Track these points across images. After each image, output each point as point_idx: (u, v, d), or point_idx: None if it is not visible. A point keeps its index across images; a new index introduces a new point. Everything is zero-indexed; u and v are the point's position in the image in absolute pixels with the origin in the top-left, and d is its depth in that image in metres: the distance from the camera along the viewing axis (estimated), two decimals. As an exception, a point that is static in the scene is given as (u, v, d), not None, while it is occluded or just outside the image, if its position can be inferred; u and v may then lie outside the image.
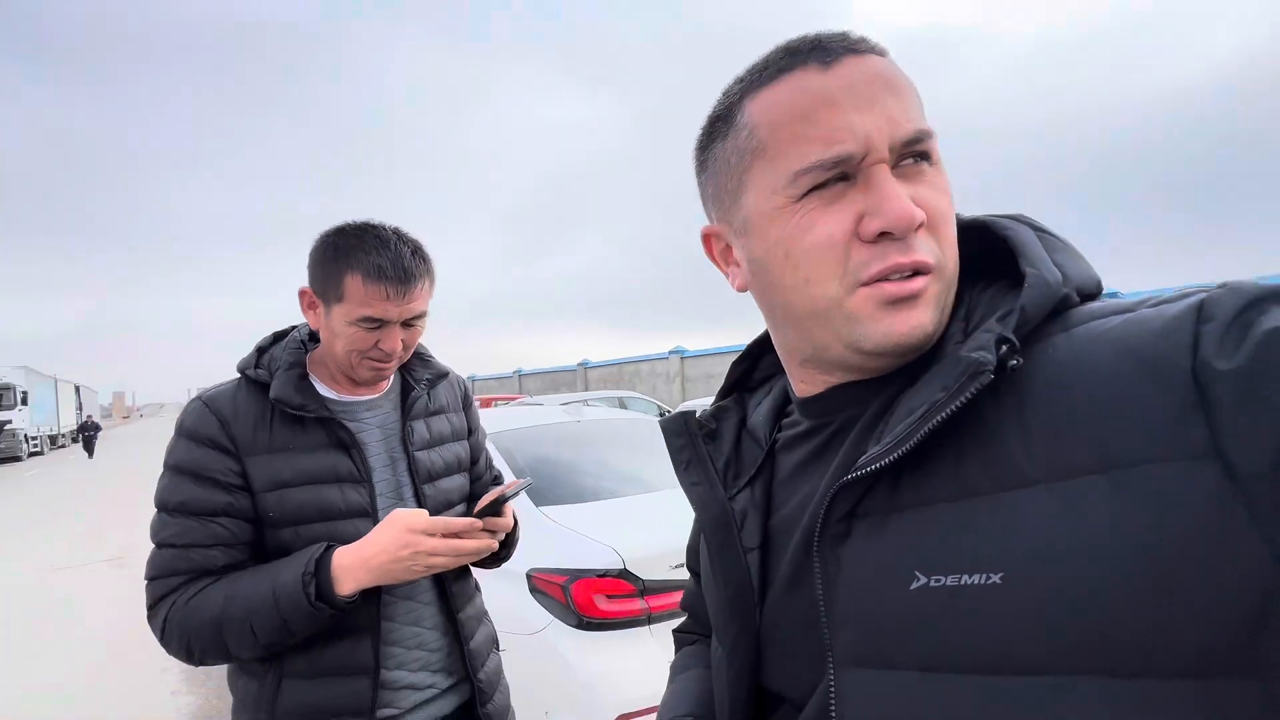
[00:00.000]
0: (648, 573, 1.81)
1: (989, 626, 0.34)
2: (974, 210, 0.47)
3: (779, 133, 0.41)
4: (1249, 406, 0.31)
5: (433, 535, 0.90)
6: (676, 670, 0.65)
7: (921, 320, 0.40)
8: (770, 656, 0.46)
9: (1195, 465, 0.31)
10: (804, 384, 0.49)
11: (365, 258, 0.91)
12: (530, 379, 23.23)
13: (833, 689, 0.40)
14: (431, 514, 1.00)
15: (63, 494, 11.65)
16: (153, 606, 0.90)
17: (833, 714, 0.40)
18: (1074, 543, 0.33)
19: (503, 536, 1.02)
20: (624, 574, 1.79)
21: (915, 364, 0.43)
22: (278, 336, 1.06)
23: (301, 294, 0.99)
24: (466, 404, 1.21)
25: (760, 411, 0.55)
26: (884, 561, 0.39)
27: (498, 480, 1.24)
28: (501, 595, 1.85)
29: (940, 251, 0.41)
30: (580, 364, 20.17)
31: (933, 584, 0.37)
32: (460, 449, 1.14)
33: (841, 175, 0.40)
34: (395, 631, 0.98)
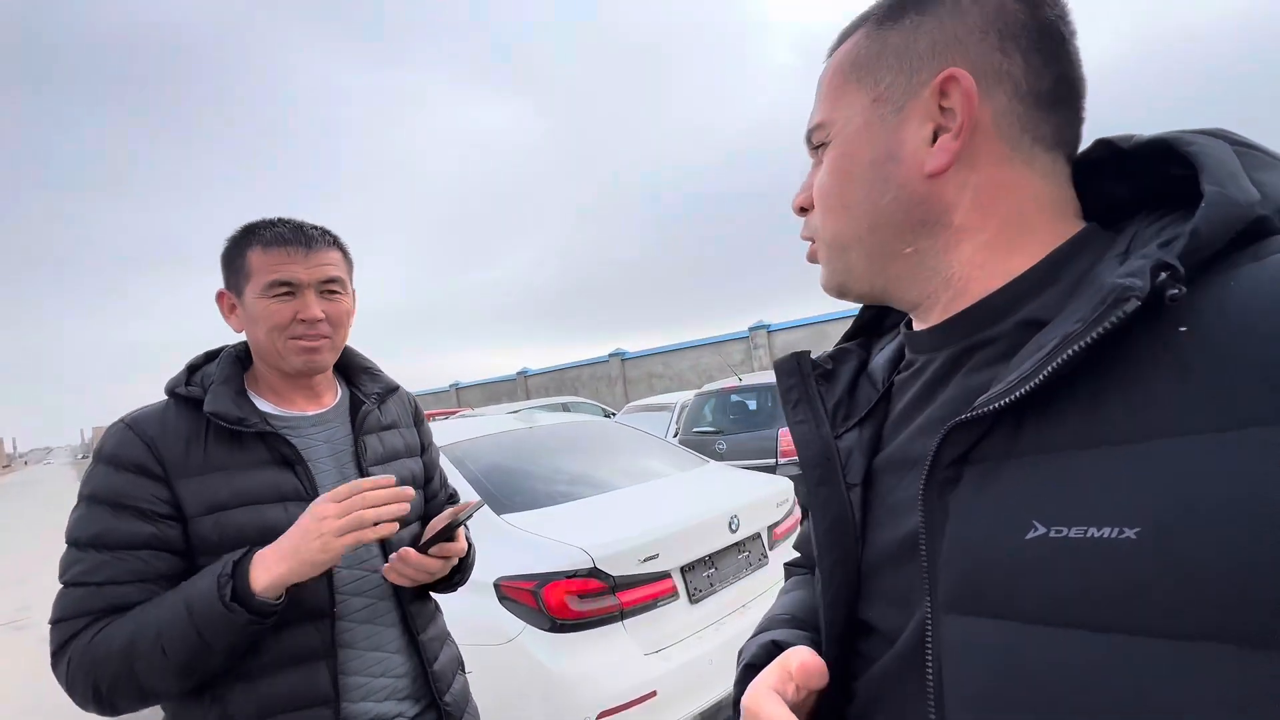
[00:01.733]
0: (617, 569, 1.83)
1: (1116, 583, 0.32)
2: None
3: None
4: None
5: (339, 500, 0.83)
6: (783, 592, 0.65)
7: (822, 277, 0.51)
8: (869, 590, 0.46)
9: None
10: (919, 318, 0.49)
11: (263, 232, 0.93)
12: (468, 391, 22.63)
13: (929, 632, 0.39)
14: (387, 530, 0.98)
15: (-63, 557, 10.28)
16: (58, 651, 0.81)
17: (929, 657, 0.39)
18: (1239, 499, 0.29)
19: (455, 561, 1.01)
20: (594, 572, 1.80)
21: (1039, 291, 0.41)
22: (210, 356, 1.00)
23: (219, 298, 0.98)
24: (418, 420, 1.18)
25: (883, 355, 0.55)
26: (997, 510, 0.37)
27: (453, 498, 1.22)
28: (470, 608, 1.82)
29: (819, 223, 0.49)
30: (520, 373, 19.85)
31: (1052, 534, 0.34)
32: (414, 465, 1.11)
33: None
34: (358, 659, 0.93)
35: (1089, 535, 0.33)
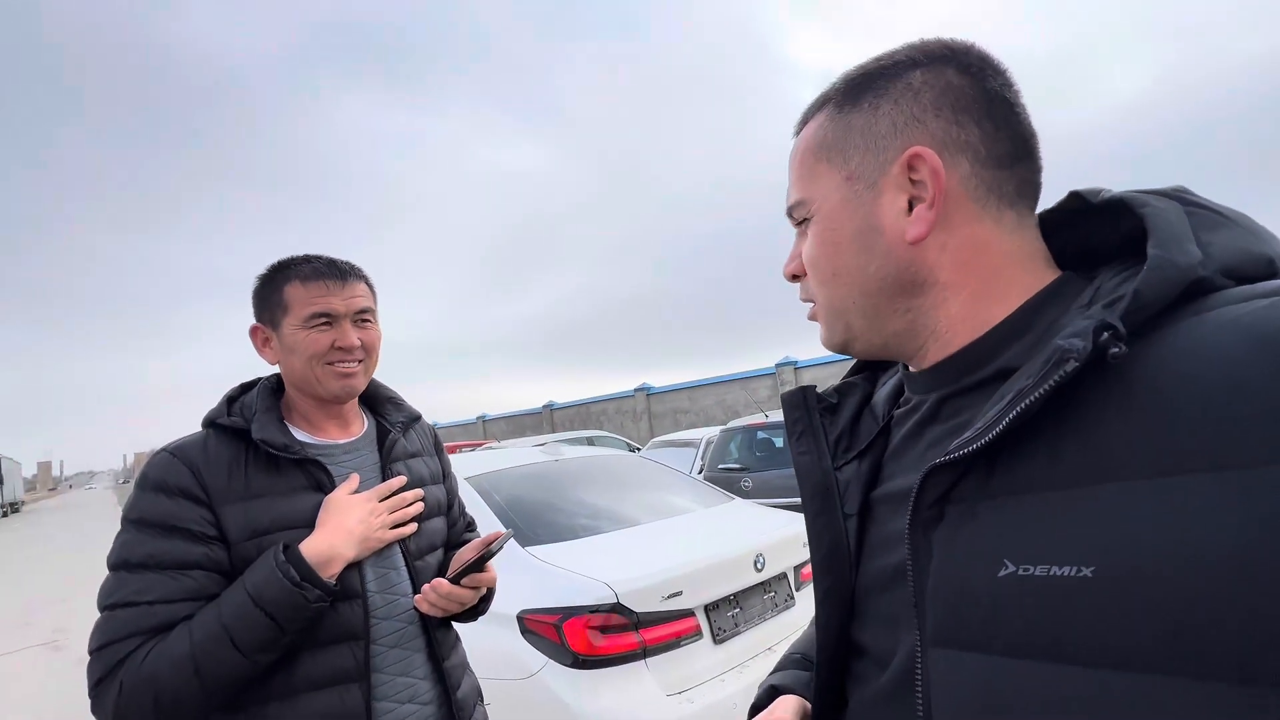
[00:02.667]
0: (640, 605, 1.81)
1: (1076, 618, 0.34)
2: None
3: None
4: None
5: (380, 501, 0.98)
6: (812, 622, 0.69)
7: (823, 336, 0.53)
8: (861, 614, 0.50)
9: None
10: (912, 363, 0.51)
11: (298, 267, 0.98)
12: (495, 423, 22.80)
13: (919, 663, 0.42)
14: (415, 558, 1.02)
15: (-17, 576, 10.65)
16: (101, 680, 0.79)
17: (918, 687, 0.42)
18: (1172, 542, 0.32)
19: (484, 591, 1.03)
20: (617, 608, 1.79)
21: (1013, 340, 0.44)
22: (245, 387, 1.05)
23: (253, 332, 1.02)
24: (438, 448, 1.22)
25: (886, 388, 0.57)
26: (973, 548, 0.40)
27: (471, 526, 1.24)
28: (493, 640, 1.82)
29: (813, 289, 0.52)
30: (546, 406, 19.97)
31: (1020, 573, 0.37)
32: (439, 492, 1.14)
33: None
34: (388, 683, 0.95)
35: (1051, 574, 0.35)
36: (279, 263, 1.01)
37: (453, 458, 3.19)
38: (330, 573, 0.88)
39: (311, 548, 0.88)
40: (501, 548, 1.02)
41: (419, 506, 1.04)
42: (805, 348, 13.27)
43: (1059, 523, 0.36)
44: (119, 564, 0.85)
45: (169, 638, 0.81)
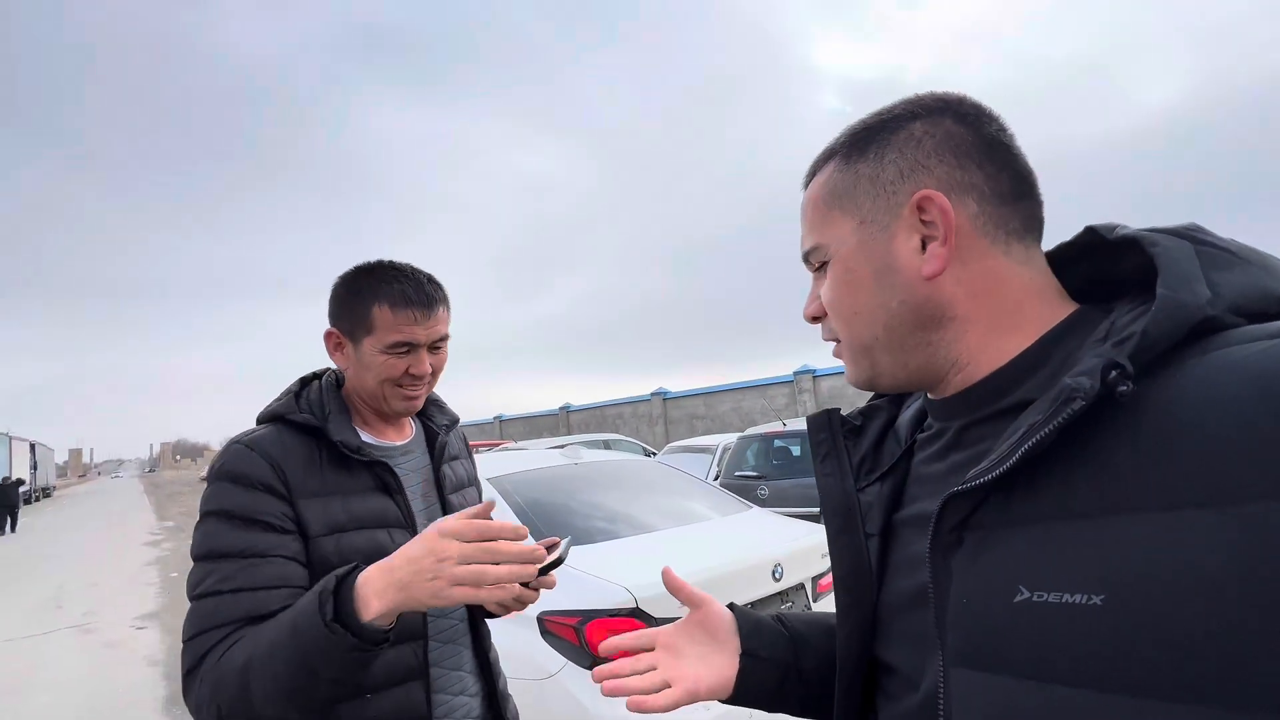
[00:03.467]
0: (659, 611, 1.83)
1: (1087, 644, 0.36)
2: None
3: None
4: None
5: (465, 540, 0.70)
6: None
7: (849, 374, 0.54)
8: (885, 633, 0.51)
9: None
10: (934, 392, 0.52)
11: (388, 288, 0.95)
12: (511, 424, 22.97)
13: (942, 684, 0.44)
14: None
15: (9, 558, 11.00)
16: (192, 671, 0.78)
17: (940, 706, 0.44)
18: (1178, 573, 0.33)
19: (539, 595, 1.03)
20: (636, 612, 1.80)
21: (1032, 372, 0.45)
22: (305, 382, 1.05)
23: (327, 336, 1.01)
24: (469, 452, 1.25)
25: (909, 412, 0.59)
26: (990, 574, 0.41)
27: None
28: (513, 640, 1.84)
29: (836, 329, 0.53)
30: (562, 408, 20.08)
31: (1035, 599, 0.38)
32: (474, 495, 1.16)
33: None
34: (443, 677, 0.96)
35: (1064, 600, 0.37)
36: (366, 272, 0.98)
37: (478, 457, 3.20)
38: (368, 615, 0.71)
39: (365, 582, 0.73)
40: (567, 554, 1.03)
41: (518, 570, 0.72)
42: (824, 356, 13.18)
43: (1071, 552, 0.38)
44: (202, 555, 0.84)
45: (241, 643, 0.77)
